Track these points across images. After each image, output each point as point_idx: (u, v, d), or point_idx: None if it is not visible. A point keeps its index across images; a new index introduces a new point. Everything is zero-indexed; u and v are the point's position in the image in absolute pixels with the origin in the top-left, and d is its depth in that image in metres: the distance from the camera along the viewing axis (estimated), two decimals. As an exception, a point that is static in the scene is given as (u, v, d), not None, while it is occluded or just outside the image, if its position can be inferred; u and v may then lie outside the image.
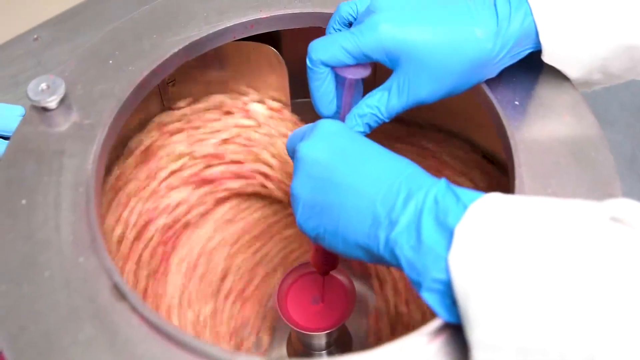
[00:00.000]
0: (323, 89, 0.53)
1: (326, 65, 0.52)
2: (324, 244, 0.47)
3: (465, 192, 0.41)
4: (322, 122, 0.49)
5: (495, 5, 0.49)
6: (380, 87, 0.52)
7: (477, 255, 0.37)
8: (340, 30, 0.55)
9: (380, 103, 0.51)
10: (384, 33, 0.49)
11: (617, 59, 0.51)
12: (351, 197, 0.44)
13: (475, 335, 0.38)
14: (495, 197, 0.40)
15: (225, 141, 0.70)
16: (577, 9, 0.49)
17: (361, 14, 0.52)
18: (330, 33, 0.56)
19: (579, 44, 0.50)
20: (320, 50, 0.51)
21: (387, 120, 0.52)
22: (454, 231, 0.39)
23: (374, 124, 0.53)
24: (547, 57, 0.52)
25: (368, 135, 0.51)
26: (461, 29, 0.49)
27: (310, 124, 0.51)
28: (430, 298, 0.40)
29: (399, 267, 0.41)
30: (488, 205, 0.39)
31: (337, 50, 0.51)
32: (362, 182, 0.44)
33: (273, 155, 0.71)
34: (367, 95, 0.52)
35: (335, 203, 0.45)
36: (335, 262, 0.62)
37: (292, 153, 0.51)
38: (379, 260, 0.44)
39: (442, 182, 0.42)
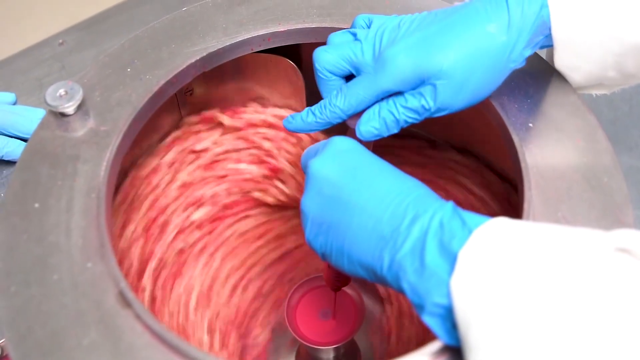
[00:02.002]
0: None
1: (348, 114, 0.52)
2: (331, 261, 0.47)
3: (471, 216, 0.41)
4: (334, 139, 0.49)
5: None
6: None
7: (480, 281, 0.37)
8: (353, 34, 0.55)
9: (398, 105, 0.50)
10: (400, 67, 0.49)
11: (631, 57, 0.50)
12: (357, 217, 0.44)
13: None
14: (501, 222, 0.39)
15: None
16: (591, 2, 0.48)
17: (369, 55, 0.52)
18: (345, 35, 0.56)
19: (591, 36, 0.49)
20: (340, 102, 0.52)
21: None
22: (457, 255, 0.38)
23: (391, 125, 0.51)
24: (558, 50, 0.51)
25: (380, 153, 0.51)
26: (474, 32, 0.48)
27: (324, 141, 0.51)
28: (432, 321, 0.40)
29: (400, 289, 0.41)
30: (493, 230, 0.39)
31: (356, 98, 0.51)
32: (369, 202, 0.44)
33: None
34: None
35: (342, 221, 0.45)
36: (348, 278, 0.62)
37: (305, 169, 0.51)
38: (382, 281, 0.43)
39: (449, 206, 0.42)
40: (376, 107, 0.51)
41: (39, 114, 0.79)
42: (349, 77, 0.54)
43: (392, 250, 0.42)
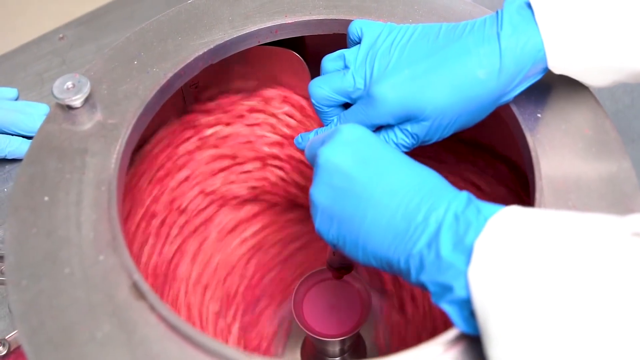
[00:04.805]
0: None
1: None
2: (344, 252, 0.47)
3: (485, 206, 0.41)
4: (343, 127, 0.48)
5: (498, 37, 0.48)
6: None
7: (497, 270, 0.37)
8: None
9: (389, 139, 0.53)
10: (389, 106, 0.51)
11: (630, 79, 0.50)
12: (372, 210, 0.43)
13: (494, 351, 0.37)
14: (516, 210, 0.40)
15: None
16: (588, 40, 0.48)
17: (360, 86, 0.54)
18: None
19: (589, 67, 0.49)
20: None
21: None
22: (473, 245, 0.38)
23: None
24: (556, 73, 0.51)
25: None
26: (462, 78, 0.49)
27: (330, 130, 0.50)
28: (450, 309, 0.40)
29: (417, 282, 0.41)
30: (508, 218, 0.39)
31: None
32: (383, 196, 0.43)
33: None
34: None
35: (355, 215, 0.44)
36: (350, 266, 0.62)
37: (311, 159, 0.50)
38: (397, 273, 0.43)
39: (464, 195, 0.42)
40: None
41: (41, 110, 0.78)
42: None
43: (408, 244, 0.42)
